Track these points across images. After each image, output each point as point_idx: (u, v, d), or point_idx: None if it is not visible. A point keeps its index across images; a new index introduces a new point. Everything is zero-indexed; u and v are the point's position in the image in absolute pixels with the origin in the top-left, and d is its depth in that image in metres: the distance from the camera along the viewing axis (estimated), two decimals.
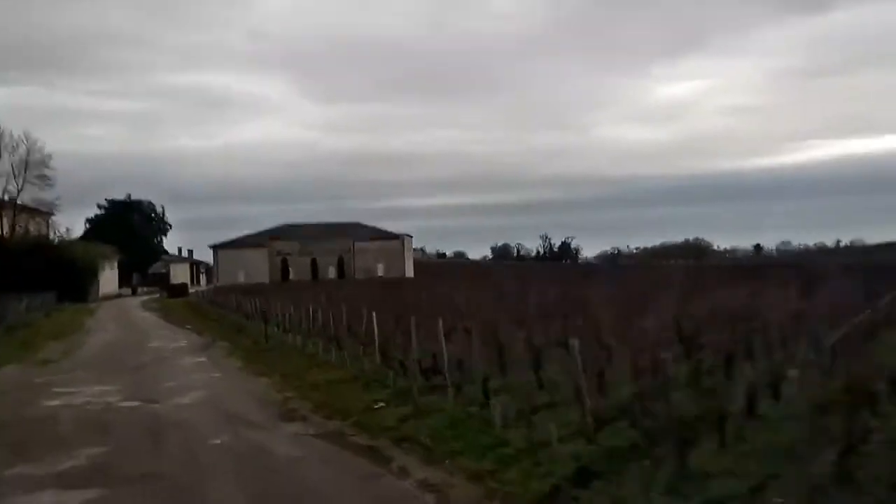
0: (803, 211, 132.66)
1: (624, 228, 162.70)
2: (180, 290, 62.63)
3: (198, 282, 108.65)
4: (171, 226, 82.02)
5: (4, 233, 54.73)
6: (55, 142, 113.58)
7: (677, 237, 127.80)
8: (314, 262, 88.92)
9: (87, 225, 75.90)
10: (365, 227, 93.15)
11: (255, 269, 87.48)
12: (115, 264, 69.55)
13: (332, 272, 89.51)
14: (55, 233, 61.28)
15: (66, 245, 59.39)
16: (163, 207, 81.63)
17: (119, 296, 70.03)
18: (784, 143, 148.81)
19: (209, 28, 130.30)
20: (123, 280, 73.03)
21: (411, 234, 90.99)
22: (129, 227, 73.37)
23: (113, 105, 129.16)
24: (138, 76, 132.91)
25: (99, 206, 76.72)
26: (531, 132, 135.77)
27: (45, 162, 56.63)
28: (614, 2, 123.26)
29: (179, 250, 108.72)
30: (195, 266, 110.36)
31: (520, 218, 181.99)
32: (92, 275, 60.80)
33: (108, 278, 68.22)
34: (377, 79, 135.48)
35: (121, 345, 25.15)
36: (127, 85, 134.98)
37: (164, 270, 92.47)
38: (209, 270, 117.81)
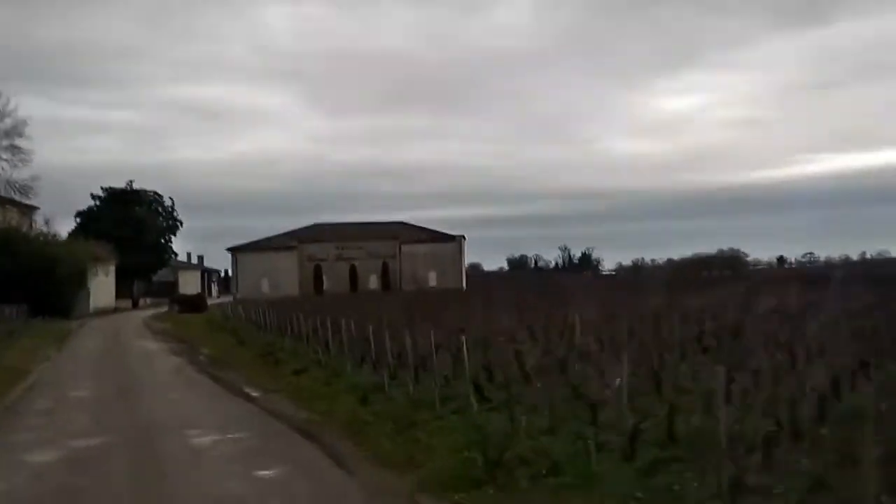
0: (810, 223, 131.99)
1: (634, 241, 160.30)
2: (196, 303, 47.58)
3: (210, 293, 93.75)
4: (181, 223, 67.32)
5: None
6: (54, 153, 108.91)
7: (697, 249, 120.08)
8: (353, 270, 73.64)
9: (78, 220, 60.97)
10: (412, 226, 77.87)
11: (283, 277, 72.34)
12: (112, 269, 54.44)
13: (373, 281, 74.27)
14: (31, 225, 46.20)
15: (43, 242, 44.20)
16: (172, 200, 66.87)
17: (116, 310, 54.81)
18: (786, 156, 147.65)
19: (214, 41, 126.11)
20: (122, 289, 57.97)
21: (464, 235, 75.80)
22: (131, 223, 58.31)
23: (116, 117, 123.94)
24: (142, 88, 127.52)
25: (93, 197, 62.07)
26: (536, 145, 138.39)
27: (18, 130, 41.85)
28: (614, 16, 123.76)
29: (189, 256, 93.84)
30: (207, 274, 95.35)
31: (530, 230, 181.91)
32: (79, 282, 45.76)
33: (103, 287, 53.06)
34: (382, 92, 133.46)
35: None
36: (130, 97, 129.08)
37: (171, 279, 77.31)
38: (222, 280, 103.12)
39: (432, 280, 73.57)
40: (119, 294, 56.85)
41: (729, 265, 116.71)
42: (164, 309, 54.21)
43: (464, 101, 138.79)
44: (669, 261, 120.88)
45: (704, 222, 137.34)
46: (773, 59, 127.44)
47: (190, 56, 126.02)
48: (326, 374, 15.89)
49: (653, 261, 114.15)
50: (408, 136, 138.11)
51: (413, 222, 78.96)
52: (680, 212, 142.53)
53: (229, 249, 73.12)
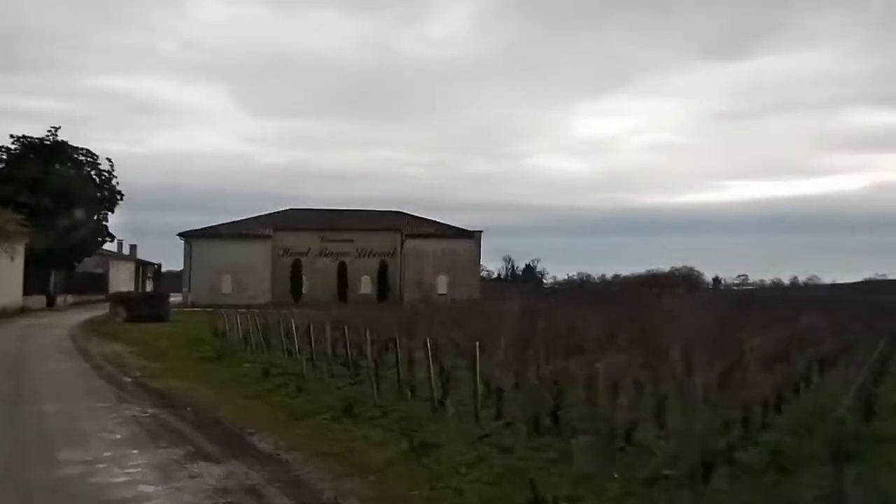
0: (735, 246, 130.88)
1: (565, 255, 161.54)
2: (155, 305, 30.60)
3: (143, 290, 75.39)
4: (121, 195, 49.08)
5: None
6: None
7: (622, 267, 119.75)
8: (343, 269, 57.40)
9: None
10: (417, 217, 62.09)
11: (250, 275, 55.55)
12: (20, 251, 36.89)
13: (366, 285, 58.26)
14: None
15: None
16: (110, 163, 48.72)
17: (23, 311, 37.26)
18: (702, 181, 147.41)
19: (141, 33, 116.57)
20: (33, 281, 40.41)
21: (482, 230, 60.42)
22: (52, 187, 40.50)
23: (35, 103, 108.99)
24: (64, 75, 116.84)
25: None
26: (466, 157, 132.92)
27: None
28: (545, 36, 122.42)
29: (120, 245, 74.95)
30: (142, 268, 76.93)
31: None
32: None
33: (5, 275, 35.50)
34: (313, 96, 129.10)
35: None
36: (51, 83, 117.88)
37: (100, 270, 59.19)
38: (157, 275, 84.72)
39: (441, 286, 57.97)
40: (29, 288, 39.32)
41: (687, 283, 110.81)
42: (98, 312, 36.96)
43: (397, 111, 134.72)
44: (617, 276, 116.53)
45: (627, 240, 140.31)
46: (697, 88, 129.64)
47: (119, 45, 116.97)
48: None
49: (602, 276, 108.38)
50: (339, 141, 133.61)
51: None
52: (603, 230, 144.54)
53: (182, 235, 55.73)
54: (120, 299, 31.32)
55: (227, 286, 55.31)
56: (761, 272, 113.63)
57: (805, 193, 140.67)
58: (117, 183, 48.68)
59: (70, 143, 45.84)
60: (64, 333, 25.51)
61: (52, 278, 44.30)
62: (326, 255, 58.39)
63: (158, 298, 31.75)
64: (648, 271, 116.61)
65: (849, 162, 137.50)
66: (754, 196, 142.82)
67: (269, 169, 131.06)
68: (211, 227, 57.43)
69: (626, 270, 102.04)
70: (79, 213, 42.71)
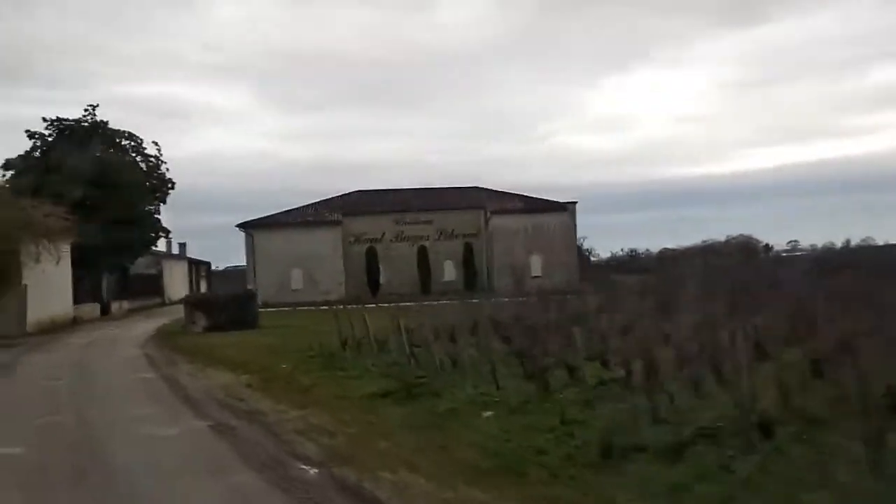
0: (774, 212, 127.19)
1: (606, 231, 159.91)
2: (241, 308, 23.87)
3: (198, 291, 69.75)
4: (172, 184, 42.57)
5: None
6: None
7: (661, 240, 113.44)
8: (423, 254, 50.66)
9: (4, 175, 36.30)
10: (497, 192, 55.03)
11: (322, 266, 49.23)
12: (67, 252, 30.75)
13: (450, 271, 51.52)
14: None
15: None
16: (158, 148, 42.23)
17: (75, 322, 31.23)
18: (727, 150, 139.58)
19: (161, 38, 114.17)
20: (83, 287, 34.43)
21: (577, 201, 52.98)
22: (96, 176, 34.08)
23: (62, 114, 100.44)
24: (89, 86, 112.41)
25: (31, 136, 37.09)
26: (488, 142, 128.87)
27: None
28: (559, 15, 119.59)
29: (169, 244, 69.20)
30: (195, 267, 71.22)
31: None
32: (3, 275, 22.31)
33: (52, 282, 29.39)
34: (333, 90, 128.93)
35: None
36: (77, 95, 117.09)
37: (153, 271, 53.35)
38: (209, 275, 79.15)
39: (535, 268, 51.03)
40: (77, 295, 33.32)
41: (746, 252, 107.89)
42: (163, 320, 30.77)
43: (416, 99, 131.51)
44: (667, 250, 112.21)
45: (661, 213, 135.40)
46: (716, 57, 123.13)
47: (141, 54, 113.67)
48: None
49: (647, 250, 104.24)
50: (360, 133, 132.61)
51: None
52: (634, 204, 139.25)
53: (241, 226, 49.48)
54: (197, 304, 24.71)
55: (297, 281, 49.11)
56: (807, 237, 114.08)
57: (835, 156, 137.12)
58: (167, 170, 42.45)
59: (110, 125, 39.47)
60: (136, 353, 19.11)
61: (105, 282, 38.22)
62: (403, 239, 51.74)
63: (245, 300, 25.13)
64: (704, 242, 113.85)
65: (874, 121, 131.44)
66: (783, 162, 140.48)
67: (295, 164, 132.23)
68: (272, 215, 51.11)
69: (667, 243, 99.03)
70: (129, 205, 36.42)
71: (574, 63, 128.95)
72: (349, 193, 55.05)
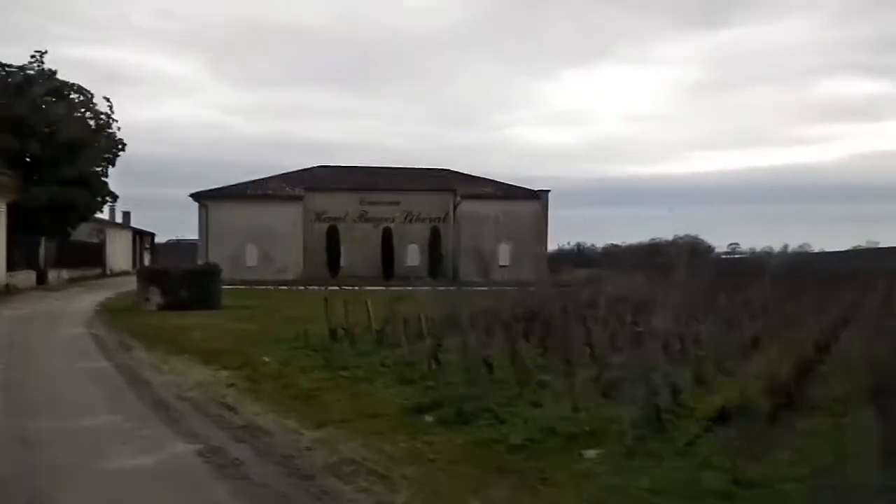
0: (705, 217, 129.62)
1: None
2: (202, 285, 20.83)
3: (141, 263, 65.86)
4: (123, 144, 38.82)
5: None
6: None
7: (607, 237, 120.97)
8: (387, 237, 48.15)
9: None
10: (471, 177, 52.82)
11: (279, 244, 46.39)
12: (4, 210, 27.34)
13: (413, 255, 49.18)
14: None
15: None
16: (109, 104, 38.39)
17: (8, 290, 27.94)
18: (681, 151, 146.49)
19: (114, 2, 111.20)
20: (19, 253, 30.95)
21: (549, 190, 50.98)
22: (42, 129, 30.34)
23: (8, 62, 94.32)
24: (37, 44, 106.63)
25: None
26: (448, 128, 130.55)
27: None
28: (524, 6, 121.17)
29: (112, 211, 64.94)
30: (139, 238, 67.17)
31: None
32: None
33: None
34: (293, 66, 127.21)
35: None
36: (23, 53, 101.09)
37: (95, 240, 49.60)
38: (155, 247, 75.07)
39: (504, 257, 49.10)
40: (11, 261, 29.85)
41: (692, 252, 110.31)
42: (106, 293, 27.74)
43: (377, 82, 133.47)
44: (615, 246, 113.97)
45: (613, 211, 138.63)
46: (677, 58, 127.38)
47: (92, 16, 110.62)
48: None
49: (592, 245, 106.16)
50: (319, 112, 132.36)
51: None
52: (583, 201, 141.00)
53: (195, 196, 46.18)
54: (151, 277, 21.49)
55: (252, 258, 46.12)
56: (747, 241, 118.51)
57: (784, 163, 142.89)
58: (119, 129, 38.82)
59: (59, 75, 35.71)
60: (81, 332, 16.30)
61: (42, 248, 34.72)
62: (367, 219, 49.17)
63: (208, 276, 22.08)
64: (651, 240, 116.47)
65: (824, 132, 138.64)
66: (735, 166, 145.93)
67: (252, 139, 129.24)
68: (229, 186, 47.90)
69: (614, 239, 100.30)
70: (75, 164, 32.91)
71: (537, 55, 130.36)
72: (312, 168, 52.17)
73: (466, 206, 48.92)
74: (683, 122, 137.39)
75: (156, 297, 21.05)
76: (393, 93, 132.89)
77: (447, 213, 50.00)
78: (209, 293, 21.45)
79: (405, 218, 49.48)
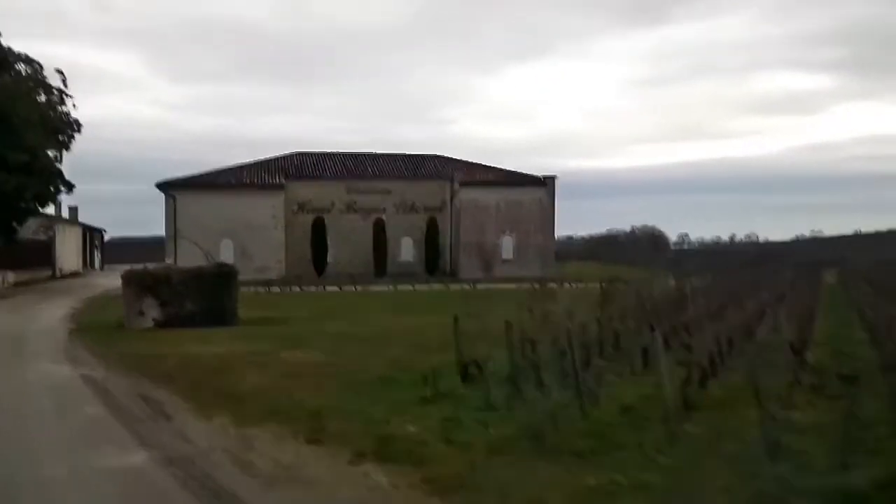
0: (650, 208, 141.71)
1: None
2: (214, 295, 15.64)
3: (91, 263, 59.32)
4: (79, 126, 32.68)
5: None
6: None
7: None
8: (379, 230, 42.94)
9: None
10: (470, 164, 47.84)
11: (258, 238, 40.87)
12: None
13: (408, 249, 44.20)
14: None
15: None
16: (63, 78, 31.92)
17: None
18: (625, 145, 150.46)
19: None
20: None
21: (555, 175, 46.30)
22: None
23: None
24: None
25: None
26: (393, 124, 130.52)
27: None
28: (462, 5, 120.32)
29: (58, 206, 57.87)
30: (89, 235, 60.35)
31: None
32: None
33: None
34: (233, 60, 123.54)
35: None
36: None
37: (43, 237, 43.13)
38: (104, 245, 68.08)
39: (507, 250, 44.52)
40: None
41: (652, 243, 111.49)
42: (68, 302, 22.13)
43: (321, 78, 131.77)
44: (571, 237, 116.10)
45: (559, 204, 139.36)
46: (619, 54, 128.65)
47: (25, 9, 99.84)
48: None
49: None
50: (262, 107, 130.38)
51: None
52: None
53: (161, 186, 40.27)
54: (146, 284, 15.61)
55: (227, 255, 40.22)
56: (696, 231, 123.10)
57: (725, 156, 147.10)
58: (74, 106, 32.71)
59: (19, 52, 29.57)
60: (66, 374, 10.93)
61: None
62: (355, 210, 43.91)
63: (219, 281, 16.44)
64: (609, 231, 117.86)
65: (763, 124, 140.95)
66: (678, 159, 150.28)
67: (192, 135, 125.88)
68: (200, 175, 42.12)
69: (565, 231, 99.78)
70: (21, 147, 26.96)
71: (480, 50, 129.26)
72: (291, 155, 46.58)
73: (465, 195, 44.08)
74: (627, 116, 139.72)
75: (152, 311, 15.68)
76: (337, 88, 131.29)
77: (444, 203, 45.06)
78: (223, 304, 16.16)
79: (398, 208, 44.37)
